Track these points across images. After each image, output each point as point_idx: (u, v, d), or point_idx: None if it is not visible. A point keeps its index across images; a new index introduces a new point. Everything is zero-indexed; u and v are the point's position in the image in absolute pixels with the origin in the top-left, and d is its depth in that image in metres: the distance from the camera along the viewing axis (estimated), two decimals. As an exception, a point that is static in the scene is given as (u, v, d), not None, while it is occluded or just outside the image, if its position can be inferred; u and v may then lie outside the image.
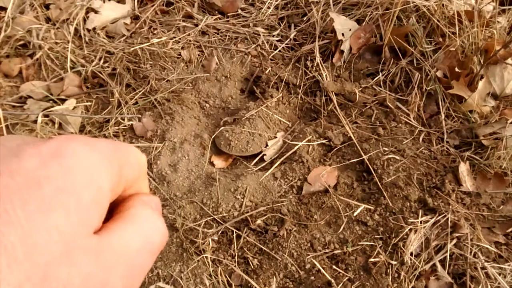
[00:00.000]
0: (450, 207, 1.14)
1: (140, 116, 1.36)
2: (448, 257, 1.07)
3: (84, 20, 1.60)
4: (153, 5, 1.66)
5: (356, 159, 1.26)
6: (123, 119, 1.36)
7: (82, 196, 0.21)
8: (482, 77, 1.35)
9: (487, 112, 1.33)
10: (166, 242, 0.26)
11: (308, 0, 1.63)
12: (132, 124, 1.36)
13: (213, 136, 1.35)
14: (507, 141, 1.23)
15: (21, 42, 1.53)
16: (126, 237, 0.23)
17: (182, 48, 1.54)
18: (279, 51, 1.54)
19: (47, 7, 1.64)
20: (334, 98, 1.39)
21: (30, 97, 1.43)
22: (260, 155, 1.32)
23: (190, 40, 1.56)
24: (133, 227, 0.24)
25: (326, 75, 1.44)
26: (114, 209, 0.27)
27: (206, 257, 1.10)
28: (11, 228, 0.18)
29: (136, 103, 1.41)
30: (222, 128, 1.35)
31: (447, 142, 1.30)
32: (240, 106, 1.45)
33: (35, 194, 0.20)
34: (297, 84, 1.46)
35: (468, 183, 1.20)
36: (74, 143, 0.22)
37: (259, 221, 1.15)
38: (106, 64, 1.49)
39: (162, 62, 1.49)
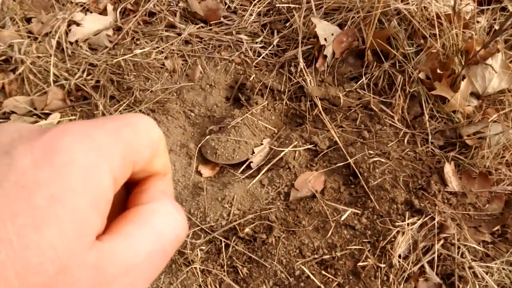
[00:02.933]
0: (437, 207, 1.15)
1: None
2: (436, 258, 1.08)
3: (66, 33, 1.59)
4: (135, 16, 1.66)
5: (342, 163, 1.27)
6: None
7: (77, 204, 0.19)
8: (464, 78, 1.36)
9: (470, 112, 1.35)
10: (184, 237, 0.24)
11: (290, 6, 1.63)
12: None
13: (199, 145, 1.35)
14: (491, 140, 1.24)
15: (3, 57, 1.52)
16: (134, 243, 0.21)
17: (166, 58, 1.54)
18: (263, 57, 1.55)
19: (28, 21, 1.63)
20: (318, 103, 1.40)
21: (13, 112, 1.42)
22: (247, 162, 1.32)
23: (173, 50, 1.56)
24: (145, 229, 0.22)
25: (310, 80, 1.44)
26: (130, 190, 0.24)
27: (195, 267, 1.10)
28: (1, 246, 0.17)
29: (121, 114, 1.40)
30: (208, 137, 1.35)
31: (432, 143, 1.31)
32: (225, 114, 1.45)
33: (25, 205, 0.18)
34: (282, 90, 1.47)
35: (453, 183, 1.21)
36: (69, 137, 0.20)
37: (247, 229, 1.15)
38: (89, 77, 1.49)
39: (145, 72, 1.49)
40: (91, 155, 0.20)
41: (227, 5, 1.71)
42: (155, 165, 0.25)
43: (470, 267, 1.05)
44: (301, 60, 1.48)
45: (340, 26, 1.55)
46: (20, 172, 0.18)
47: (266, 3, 1.67)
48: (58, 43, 1.57)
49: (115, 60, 1.50)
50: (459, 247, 1.09)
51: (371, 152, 1.27)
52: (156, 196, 0.24)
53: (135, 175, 0.24)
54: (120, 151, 0.22)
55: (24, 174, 0.18)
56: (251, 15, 1.66)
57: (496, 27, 1.46)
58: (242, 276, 1.10)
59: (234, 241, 1.14)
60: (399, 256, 1.09)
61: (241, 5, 1.71)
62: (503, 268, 1.06)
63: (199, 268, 1.10)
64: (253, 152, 1.33)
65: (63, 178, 0.19)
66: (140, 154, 0.23)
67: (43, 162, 0.19)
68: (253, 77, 1.48)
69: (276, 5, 1.66)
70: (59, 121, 1.40)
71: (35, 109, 1.42)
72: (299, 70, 1.47)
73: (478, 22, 1.44)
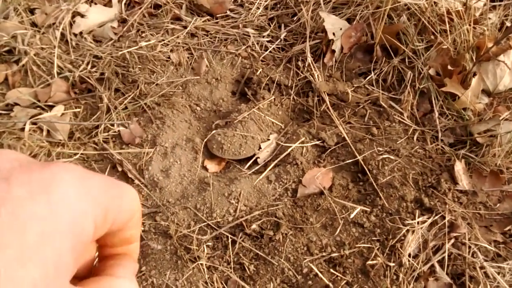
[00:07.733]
0: (447, 206, 1.13)
1: (129, 122, 1.34)
2: (446, 257, 1.06)
3: (71, 25, 1.57)
4: (141, 8, 1.63)
5: (351, 160, 1.25)
6: (113, 125, 1.33)
7: (62, 245, 0.20)
8: (474, 74, 1.34)
9: (480, 109, 1.33)
10: None
11: (298, 0, 1.61)
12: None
13: (205, 140, 1.33)
14: (502, 138, 1.22)
15: (6, 48, 1.49)
16: None
17: (171, 51, 1.52)
18: (270, 52, 1.52)
19: (32, 12, 1.60)
20: (326, 98, 1.38)
21: (16, 104, 1.40)
22: (254, 158, 1.30)
23: (179, 43, 1.53)
24: None
25: (318, 75, 1.42)
26: (99, 261, 0.28)
27: (201, 264, 1.08)
28: None
29: (126, 108, 1.38)
30: (214, 131, 1.33)
31: (442, 140, 1.29)
32: (231, 109, 1.43)
33: (17, 239, 0.19)
34: (289, 85, 1.44)
35: (464, 182, 1.19)
36: (68, 177, 0.22)
37: (254, 226, 1.13)
38: (94, 69, 1.46)
39: (151, 65, 1.46)
40: (82, 201, 0.22)
41: (233, -2, 1.68)
42: (127, 232, 0.28)
43: (482, 267, 1.04)
44: (308, 54, 1.46)
45: (349, 20, 1.53)
46: (17, 202, 0.19)
47: (273, -4, 1.65)
48: (62, 35, 1.54)
49: (120, 53, 1.47)
50: (470, 247, 1.07)
51: (380, 149, 1.25)
52: (126, 274, 0.27)
53: (111, 239, 0.28)
54: (105, 205, 0.24)
55: (21, 205, 0.19)
56: (258, 8, 1.63)
57: (508, 23, 1.44)
58: (249, 273, 1.08)
59: (241, 238, 1.12)
60: (409, 255, 1.07)
61: (248, -2, 1.68)
62: (515, 269, 1.04)
63: (205, 264, 1.08)
64: (260, 148, 1.31)
65: (56, 217, 0.20)
66: (120, 215, 0.26)
67: (40, 196, 0.20)
68: (260, 72, 1.46)
69: (284, -1, 1.64)
70: (63, 114, 1.38)
71: (39, 101, 1.40)
72: (306, 65, 1.45)
73: (489, 18, 1.41)
